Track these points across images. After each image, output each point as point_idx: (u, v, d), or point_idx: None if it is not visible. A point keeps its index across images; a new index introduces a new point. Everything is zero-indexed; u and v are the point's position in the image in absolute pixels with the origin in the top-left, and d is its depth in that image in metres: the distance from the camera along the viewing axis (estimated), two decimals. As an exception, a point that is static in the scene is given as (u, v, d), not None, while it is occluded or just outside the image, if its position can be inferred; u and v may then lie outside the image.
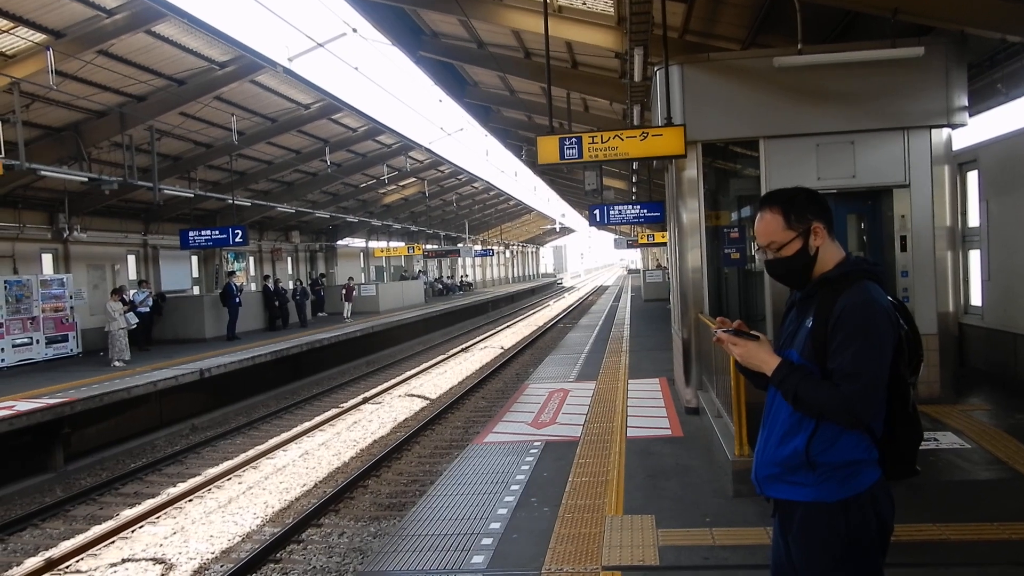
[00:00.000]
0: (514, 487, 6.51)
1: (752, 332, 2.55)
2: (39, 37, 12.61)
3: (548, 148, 8.51)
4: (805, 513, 2.44)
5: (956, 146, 8.90)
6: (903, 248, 8.61)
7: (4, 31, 12.14)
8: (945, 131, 8.52)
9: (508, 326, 34.32)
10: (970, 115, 8.72)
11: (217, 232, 20.66)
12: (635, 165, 18.78)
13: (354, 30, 13.36)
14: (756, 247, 2.67)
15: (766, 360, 2.47)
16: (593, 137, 8.48)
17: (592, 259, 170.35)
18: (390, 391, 17.69)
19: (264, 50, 18.44)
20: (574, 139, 8.48)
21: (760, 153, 8.77)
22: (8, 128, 12.88)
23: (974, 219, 10.57)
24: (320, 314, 29.64)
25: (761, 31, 10.38)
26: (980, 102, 9.80)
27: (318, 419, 14.43)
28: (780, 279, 2.62)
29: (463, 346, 26.49)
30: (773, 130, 8.73)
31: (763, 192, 8.68)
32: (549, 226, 74.98)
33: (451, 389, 17.76)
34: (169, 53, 14.77)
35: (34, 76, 13.10)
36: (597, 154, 8.42)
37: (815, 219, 2.50)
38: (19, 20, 12.01)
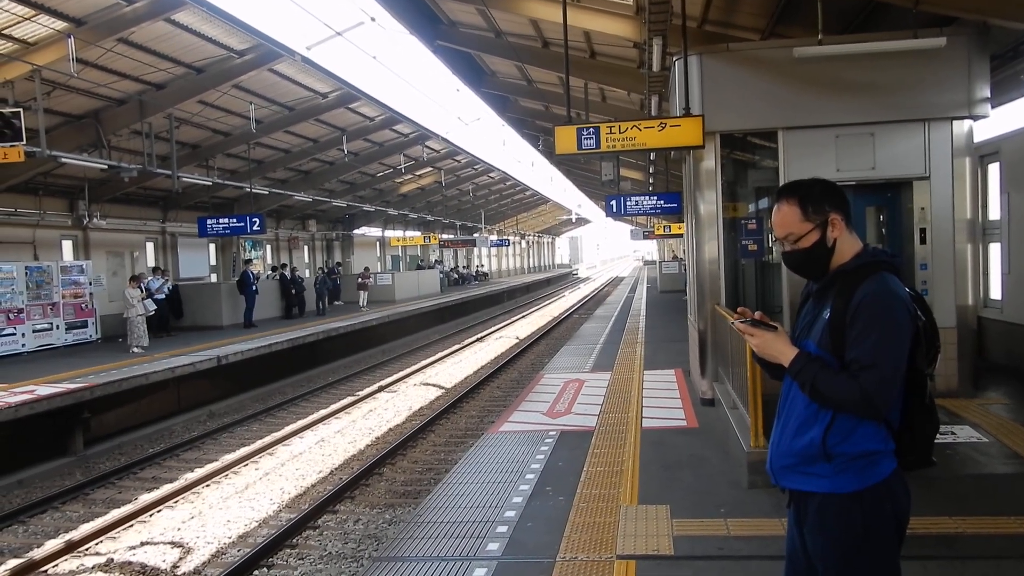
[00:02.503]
0: (529, 476, 6.54)
1: (770, 323, 2.55)
2: (60, 25, 12.71)
3: (566, 138, 8.51)
4: (821, 504, 2.45)
5: (977, 138, 8.82)
6: (923, 241, 8.55)
7: (26, 19, 12.25)
8: (967, 123, 8.43)
9: (523, 316, 34.32)
10: (992, 107, 8.62)
11: (235, 220, 20.79)
12: (652, 156, 18.70)
13: (372, 19, 13.35)
14: (774, 238, 2.67)
15: (783, 351, 2.48)
16: (611, 127, 8.47)
17: (608, 250, 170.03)
18: (405, 380, 17.74)
19: (282, 39, 18.61)
20: (592, 129, 8.48)
21: (779, 144, 8.71)
22: (29, 115, 12.98)
23: (995, 212, 10.47)
24: (336, 303, 29.74)
25: (781, 21, 10.30)
26: (1003, 94, 9.71)
27: (334, 407, 14.50)
28: (797, 270, 2.63)
29: (478, 336, 26.51)
30: (792, 121, 8.67)
31: (781, 183, 8.64)
32: (565, 216, 74.91)
33: (466, 378, 17.79)
34: (188, 41, 14.86)
35: (55, 64, 13.22)
36: (615, 144, 8.41)
37: (833, 211, 2.50)
38: (40, 8, 12.11)
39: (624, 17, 11.68)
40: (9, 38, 12.77)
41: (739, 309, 2.62)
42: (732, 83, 8.77)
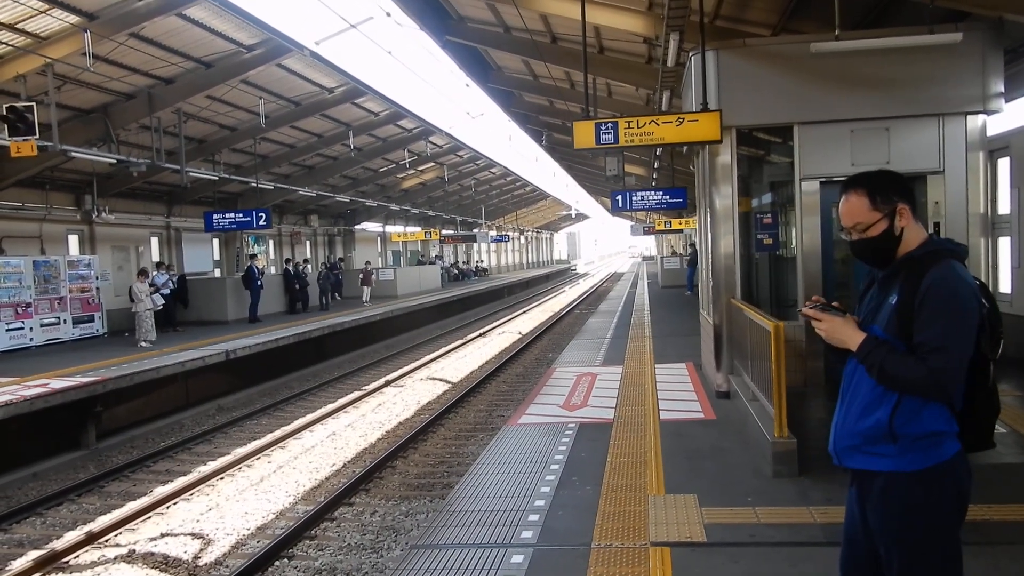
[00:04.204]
0: (554, 467, 6.60)
1: (838, 308, 2.63)
2: (73, 19, 12.72)
3: (584, 133, 8.55)
4: (886, 482, 2.52)
5: (988, 133, 8.87)
6: (936, 234, 8.59)
7: (40, 12, 12.25)
8: (980, 117, 8.49)
9: (524, 311, 34.39)
10: (1005, 101, 8.68)
11: (241, 215, 20.83)
12: (658, 151, 18.76)
13: (388, 14, 13.40)
14: (839, 227, 2.73)
15: (852, 335, 2.55)
16: (629, 122, 8.52)
17: (605, 246, 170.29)
18: (411, 374, 17.81)
19: (292, 33, 18.71)
20: (610, 124, 8.52)
21: (794, 139, 8.77)
22: (41, 109, 13.00)
23: (1004, 207, 10.54)
24: (336, 297, 29.74)
25: (793, 17, 10.36)
26: (1015, 89, 9.74)
27: (342, 401, 14.57)
28: (864, 259, 2.70)
29: (481, 331, 26.57)
30: (807, 116, 8.73)
31: (796, 177, 8.74)
32: (564, 212, 74.92)
33: (472, 373, 17.85)
34: (198, 36, 14.89)
35: (67, 58, 13.23)
36: (633, 139, 8.46)
37: (900, 200, 2.58)
38: (53, 2, 12.11)
39: (635, 12, 11.72)
40: (23, 32, 12.78)
41: (813, 297, 2.71)
42: (748, 78, 8.82)
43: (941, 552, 2.48)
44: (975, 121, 8.49)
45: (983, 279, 8.48)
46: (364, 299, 28.13)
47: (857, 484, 2.65)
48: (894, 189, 2.59)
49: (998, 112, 8.54)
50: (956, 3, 8.12)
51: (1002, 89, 8.43)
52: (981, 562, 4.26)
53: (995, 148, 10.21)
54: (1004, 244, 10.63)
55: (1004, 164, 10.50)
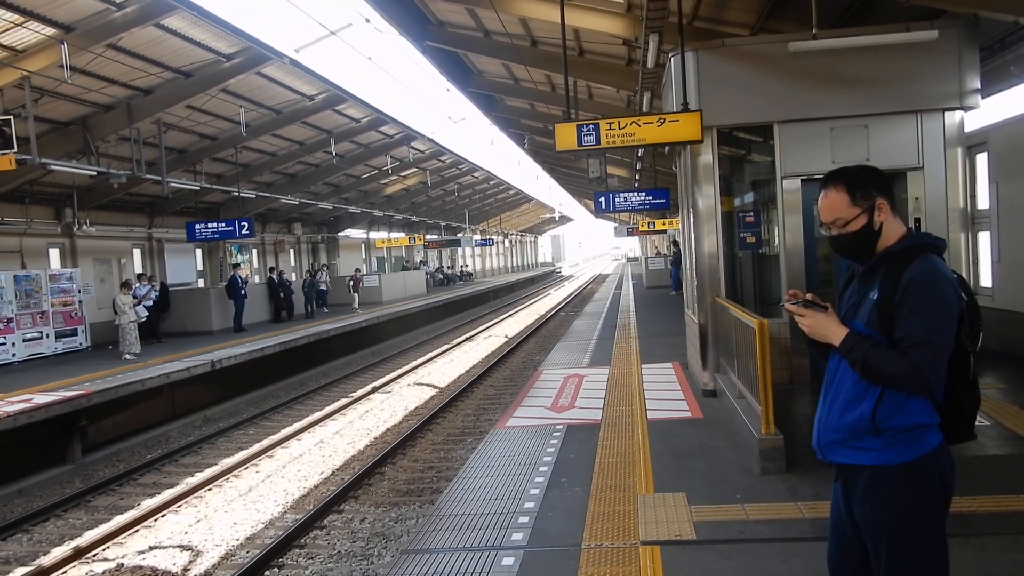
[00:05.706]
0: (543, 468, 6.61)
1: (821, 303, 2.65)
2: (50, 31, 12.64)
3: (566, 135, 8.58)
4: (870, 476, 2.54)
5: (966, 128, 8.97)
6: (917, 230, 8.67)
7: (16, 24, 12.16)
8: (958, 114, 8.59)
9: (510, 315, 34.41)
10: (981, 97, 8.78)
11: (224, 224, 20.73)
12: (640, 152, 18.83)
13: (367, 20, 13.38)
14: (819, 223, 2.76)
15: (834, 331, 2.57)
16: (611, 124, 8.55)
17: (589, 248, 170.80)
18: (398, 380, 17.78)
19: (271, 41, 18.76)
20: (592, 126, 8.55)
21: (775, 138, 8.84)
22: (19, 123, 12.88)
23: (983, 201, 10.65)
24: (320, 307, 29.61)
25: (771, 16, 10.43)
26: (991, 84, 9.86)
27: (329, 408, 14.53)
28: (844, 254, 2.72)
29: (467, 335, 26.57)
30: (787, 115, 8.79)
31: (778, 176, 8.80)
32: (548, 215, 75.02)
33: (459, 378, 17.84)
34: (177, 46, 14.82)
35: (44, 70, 13.14)
36: (615, 140, 8.49)
37: (879, 195, 2.61)
38: (30, 14, 12.03)
39: (614, 15, 11.78)
40: (-1, 45, 12.71)
41: (791, 292, 2.72)
42: (728, 78, 8.88)
43: (927, 543, 2.51)
44: (953, 117, 8.58)
45: (963, 274, 8.63)
46: (354, 305, 28.06)
47: (842, 478, 2.68)
48: (873, 184, 2.62)
49: (975, 108, 8.64)
50: (932, 1, 8.20)
51: (978, 85, 8.52)
52: (967, 553, 4.30)
53: (973, 144, 10.32)
54: (984, 239, 10.75)
55: (982, 159, 10.62)
